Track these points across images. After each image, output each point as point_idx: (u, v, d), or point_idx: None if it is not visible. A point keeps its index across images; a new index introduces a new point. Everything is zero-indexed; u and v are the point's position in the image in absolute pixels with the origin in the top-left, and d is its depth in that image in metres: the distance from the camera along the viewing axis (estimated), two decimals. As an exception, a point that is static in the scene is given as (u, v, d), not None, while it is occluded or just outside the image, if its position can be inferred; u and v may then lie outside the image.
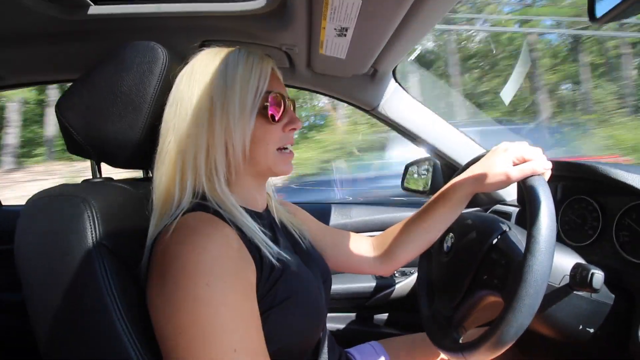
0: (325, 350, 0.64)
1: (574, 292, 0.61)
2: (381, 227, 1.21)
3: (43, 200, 0.51)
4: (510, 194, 1.11)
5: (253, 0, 0.72)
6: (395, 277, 1.19)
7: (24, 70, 0.95)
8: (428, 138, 1.10)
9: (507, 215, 0.99)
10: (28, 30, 0.78)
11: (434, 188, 1.15)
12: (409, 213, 0.78)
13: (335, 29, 0.67)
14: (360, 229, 1.19)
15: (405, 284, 1.16)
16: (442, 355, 0.80)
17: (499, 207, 1.08)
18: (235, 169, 0.55)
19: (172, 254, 0.45)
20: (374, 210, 1.24)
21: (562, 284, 0.62)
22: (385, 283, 1.17)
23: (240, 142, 0.52)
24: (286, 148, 0.59)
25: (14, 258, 0.49)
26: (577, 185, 0.80)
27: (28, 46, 0.83)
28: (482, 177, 0.63)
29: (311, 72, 0.97)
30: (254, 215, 0.56)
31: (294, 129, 0.59)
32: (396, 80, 1.05)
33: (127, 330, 0.46)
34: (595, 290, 0.57)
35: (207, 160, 0.52)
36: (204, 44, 0.81)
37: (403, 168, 1.33)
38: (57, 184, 0.55)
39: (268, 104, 0.55)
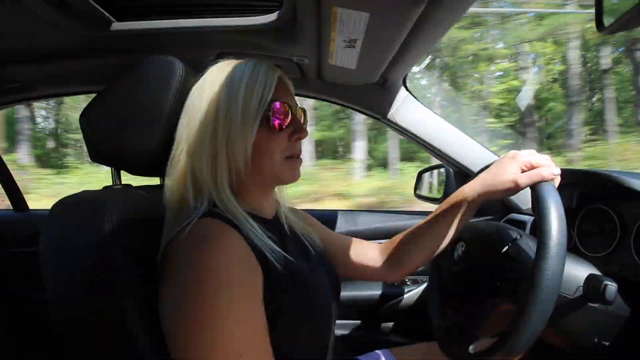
0: (332, 357, 0.65)
1: (589, 303, 0.59)
2: (389, 235, 1.20)
3: (66, 205, 0.54)
4: (526, 202, 1.09)
5: (265, 14, 0.75)
6: (407, 285, 1.18)
7: (51, 83, 1.01)
8: (440, 145, 1.10)
9: (522, 224, 0.97)
10: (55, 46, 0.83)
11: (446, 196, 1.14)
12: (417, 220, 0.78)
13: (344, 40, 0.69)
14: (369, 237, 1.19)
15: (415, 292, 1.15)
16: None
17: (513, 216, 1.06)
18: (239, 177, 0.56)
19: (182, 259, 0.47)
20: (381, 218, 1.24)
21: (576, 295, 0.60)
22: (394, 291, 1.16)
23: (242, 151, 0.53)
24: (293, 156, 0.59)
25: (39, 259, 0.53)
26: (595, 194, 0.78)
27: (55, 61, 0.89)
28: (490, 184, 0.63)
29: (322, 81, 1.00)
30: (262, 222, 0.57)
31: (300, 138, 0.60)
32: (407, 89, 1.06)
33: (141, 330, 0.48)
34: (608, 302, 0.55)
35: (213, 169, 0.54)
36: (219, 57, 0.84)
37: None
38: (80, 191, 0.58)
39: (271, 113, 0.56)
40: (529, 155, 0.62)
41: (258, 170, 0.57)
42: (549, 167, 0.59)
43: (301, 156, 0.62)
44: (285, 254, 0.54)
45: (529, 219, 0.98)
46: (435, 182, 1.27)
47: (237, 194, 0.56)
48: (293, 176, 0.60)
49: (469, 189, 0.66)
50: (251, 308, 0.47)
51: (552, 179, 0.59)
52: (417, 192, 1.32)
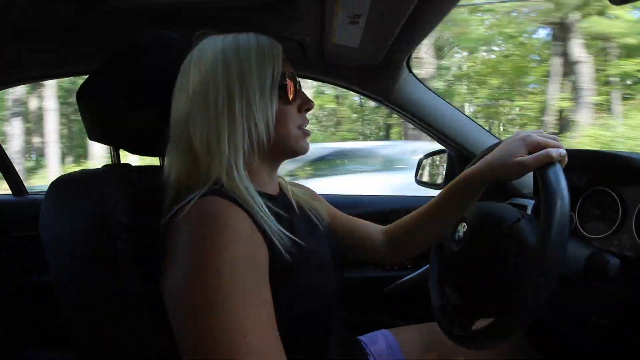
0: (334, 336, 0.65)
1: (590, 282, 0.60)
2: (392, 218, 1.21)
3: (65, 183, 0.54)
4: (527, 186, 1.09)
5: None
6: (409, 267, 1.19)
7: (45, 64, 0.99)
8: (442, 128, 1.09)
9: (522, 208, 0.97)
10: (48, 25, 0.80)
11: (448, 181, 1.14)
12: (420, 204, 0.78)
13: (348, 15, 0.67)
14: (371, 219, 1.20)
15: (416, 273, 1.16)
16: (453, 345, 0.79)
17: (514, 200, 1.06)
18: (258, 152, 0.55)
19: (184, 237, 0.46)
20: (384, 201, 1.24)
21: (577, 274, 0.61)
22: (397, 273, 1.17)
23: (264, 123, 0.53)
24: (303, 126, 0.60)
25: (41, 241, 0.52)
26: (597, 176, 0.78)
27: (48, 40, 0.86)
28: (497, 166, 0.62)
29: (324, 62, 0.98)
30: (269, 198, 0.56)
31: (308, 109, 0.60)
32: (410, 70, 1.04)
33: (144, 306, 0.48)
34: (611, 279, 0.55)
35: (229, 145, 0.53)
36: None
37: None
38: (79, 169, 0.58)
39: (286, 83, 0.56)
40: (537, 135, 0.60)
41: (276, 143, 0.56)
42: (557, 149, 0.57)
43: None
44: (290, 235, 0.53)
45: (530, 202, 0.98)
46: (436, 168, 1.27)
47: (247, 172, 0.55)
48: (307, 146, 0.60)
49: (475, 172, 0.65)
50: (256, 288, 0.46)
51: (560, 160, 0.57)
52: (418, 178, 1.31)
